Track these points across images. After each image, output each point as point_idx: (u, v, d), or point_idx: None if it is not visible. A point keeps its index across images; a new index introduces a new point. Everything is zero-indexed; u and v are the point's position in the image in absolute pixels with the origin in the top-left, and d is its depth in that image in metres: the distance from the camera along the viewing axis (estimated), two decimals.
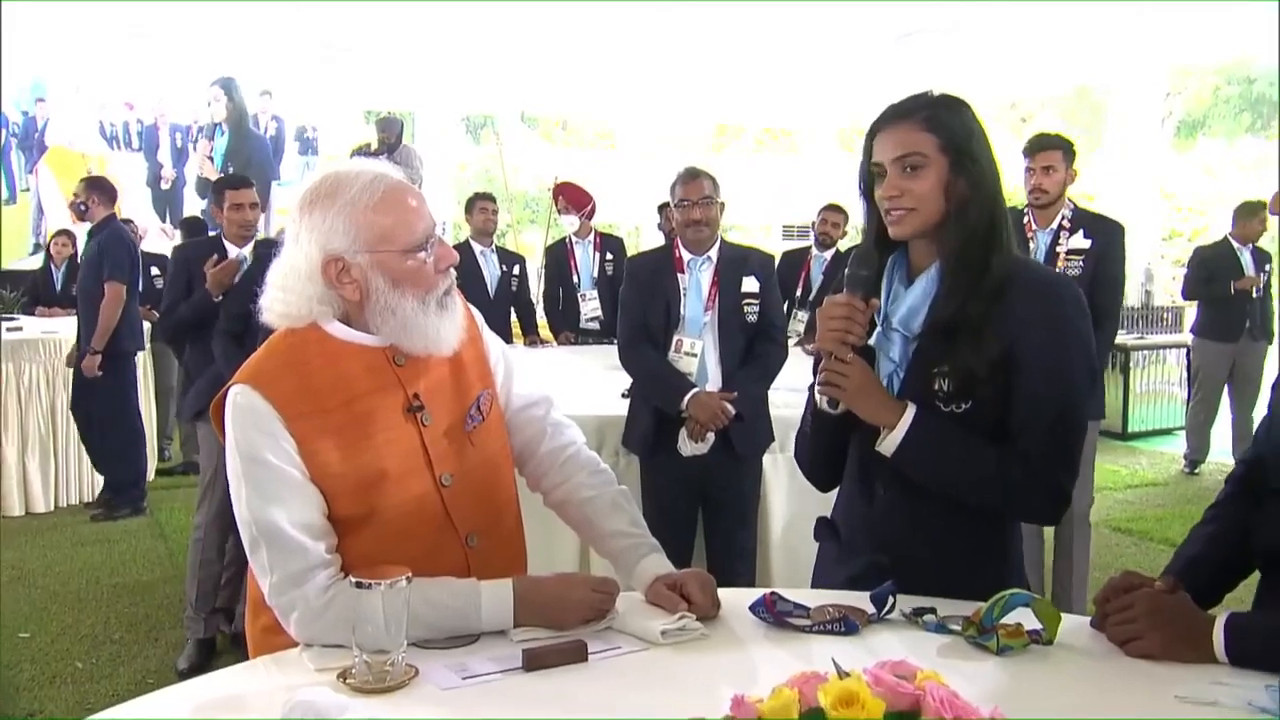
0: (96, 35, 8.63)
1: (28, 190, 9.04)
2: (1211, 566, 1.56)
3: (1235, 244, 6.37)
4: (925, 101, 1.59)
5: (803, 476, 1.85)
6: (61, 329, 5.89)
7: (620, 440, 3.33)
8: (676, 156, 8.92)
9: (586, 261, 5.96)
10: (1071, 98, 14.80)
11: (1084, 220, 3.62)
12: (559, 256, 6.05)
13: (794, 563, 3.33)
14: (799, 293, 5.77)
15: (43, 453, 5.62)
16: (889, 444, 1.57)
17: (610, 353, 3.76)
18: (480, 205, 5.83)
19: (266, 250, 3.53)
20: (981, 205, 1.56)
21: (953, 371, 1.56)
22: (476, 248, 5.69)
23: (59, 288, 7.20)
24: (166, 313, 3.91)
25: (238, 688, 1.35)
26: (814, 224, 6.07)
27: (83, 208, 5.32)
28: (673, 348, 3.20)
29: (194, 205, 9.21)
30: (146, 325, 5.74)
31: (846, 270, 1.61)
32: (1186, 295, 6.81)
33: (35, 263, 8.31)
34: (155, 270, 6.23)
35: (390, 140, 7.57)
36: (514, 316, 5.96)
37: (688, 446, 3.16)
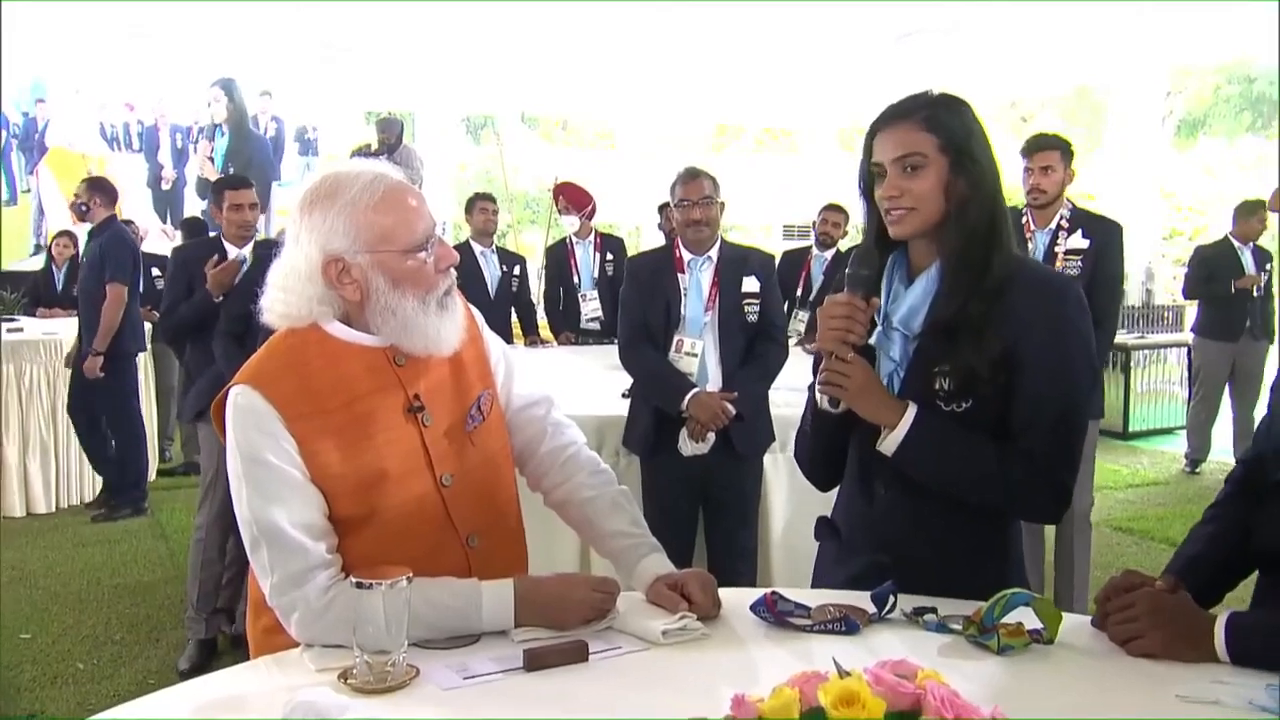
0: (96, 36, 8.63)
1: (28, 191, 9.05)
2: (1212, 566, 1.56)
3: (1236, 243, 6.37)
4: (925, 101, 1.59)
5: (803, 476, 1.85)
6: (62, 330, 5.89)
7: (620, 440, 3.33)
8: (676, 156, 8.93)
9: (587, 262, 5.96)
10: (1071, 97, 14.80)
11: (1082, 220, 3.62)
12: (559, 257, 6.05)
13: (795, 562, 3.33)
14: (799, 292, 5.77)
15: (44, 453, 5.62)
16: (890, 443, 1.57)
17: (610, 353, 3.76)
18: (480, 205, 5.84)
19: (267, 251, 3.54)
20: (982, 205, 1.56)
21: (953, 371, 1.56)
22: (477, 248, 5.70)
23: (60, 288, 7.20)
24: (167, 313, 3.91)
25: (239, 688, 1.35)
26: (814, 224, 6.07)
27: (84, 208, 5.32)
28: (673, 348, 3.20)
29: (194, 206, 9.21)
30: (147, 326, 5.74)
31: (847, 270, 1.61)
32: (1187, 294, 6.81)
33: (35, 264, 8.31)
34: (156, 271, 6.22)
35: (390, 141, 7.57)
36: (514, 317, 5.96)
37: (688, 446, 3.16)
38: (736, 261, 3.25)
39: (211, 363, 3.63)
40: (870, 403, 1.58)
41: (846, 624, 1.47)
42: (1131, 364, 7.68)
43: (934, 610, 1.50)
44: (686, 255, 3.24)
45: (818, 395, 1.65)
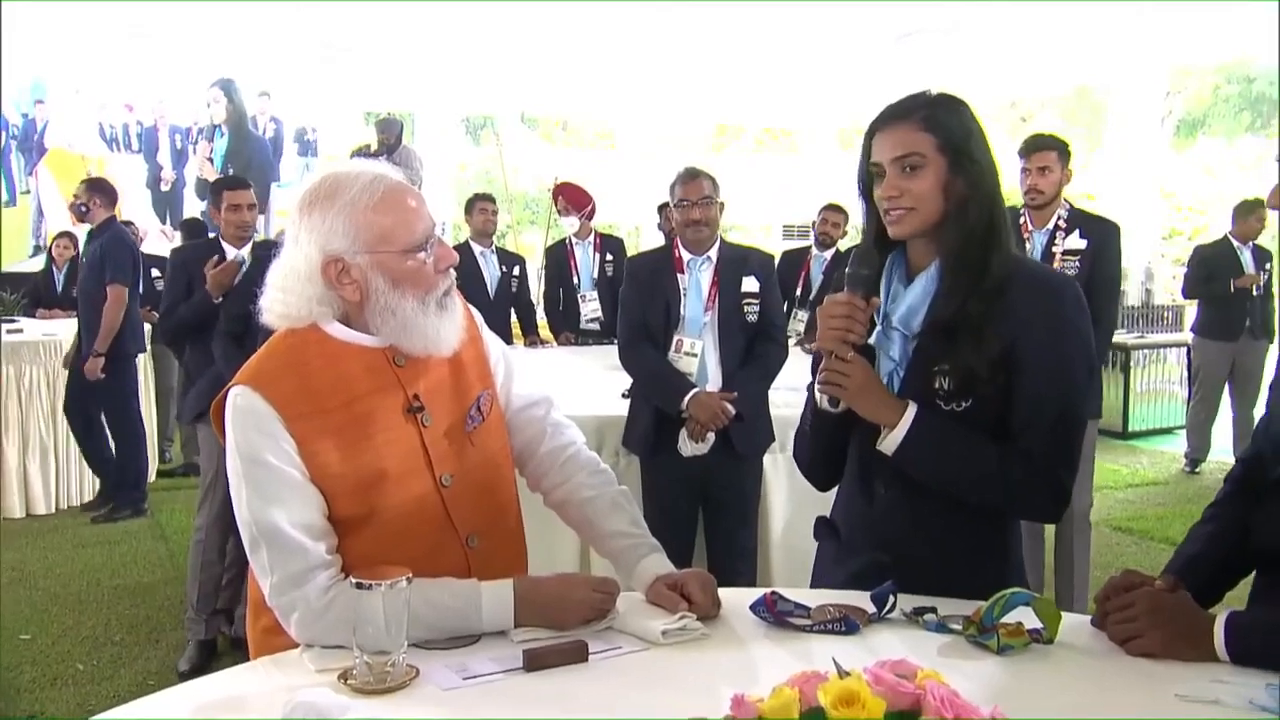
0: (96, 36, 8.63)
1: (28, 193, 9.05)
2: (1211, 565, 1.56)
3: (1235, 242, 6.38)
4: (923, 101, 1.59)
5: (802, 476, 1.85)
6: (61, 331, 5.88)
7: (620, 440, 3.33)
8: (676, 156, 8.93)
9: (586, 262, 5.96)
10: (1071, 97, 14.81)
11: (1080, 220, 3.63)
12: (559, 257, 6.05)
13: (794, 562, 3.33)
14: (799, 292, 5.78)
15: (43, 455, 5.62)
16: (890, 442, 1.57)
17: (610, 353, 3.76)
18: (480, 206, 5.84)
19: (266, 251, 3.54)
20: (980, 204, 1.56)
21: (953, 370, 1.56)
22: (476, 248, 5.69)
23: (60, 290, 7.20)
24: (166, 314, 3.91)
25: (238, 689, 1.35)
26: (814, 224, 6.07)
27: (83, 209, 5.32)
28: (673, 348, 3.20)
29: (194, 207, 9.20)
30: (147, 327, 5.74)
31: (846, 269, 1.61)
32: (1187, 294, 6.82)
33: (34, 265, 8.31)
34: (155, 272, 6.22)
35: (390, 141, 7.57)
36: (514, 317, 5.96)
37: (688, 446, 3.16)
38: (736, 261, 3.25)
39: (211, 364, 3.63)
40: (870, 402, 1.58)
41: (846, 624, 1.47)
42: (1131, 364, 7.68)
43: (934, 610, 1.50)
44: (686, 255, 3.24)
45: (818, 395, 1.65)
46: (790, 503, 3.41)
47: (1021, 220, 3.65)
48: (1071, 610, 1.80)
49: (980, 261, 1.56)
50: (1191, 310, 7.17)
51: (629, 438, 3.30)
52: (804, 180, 11.53)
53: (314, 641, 1.44)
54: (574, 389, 3.72)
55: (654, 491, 3.20)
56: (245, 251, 3.78)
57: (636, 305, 3.28)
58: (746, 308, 3.21)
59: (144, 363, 5.96)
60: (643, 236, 10.84)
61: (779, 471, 3.41)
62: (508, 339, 5.36)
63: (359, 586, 1.31)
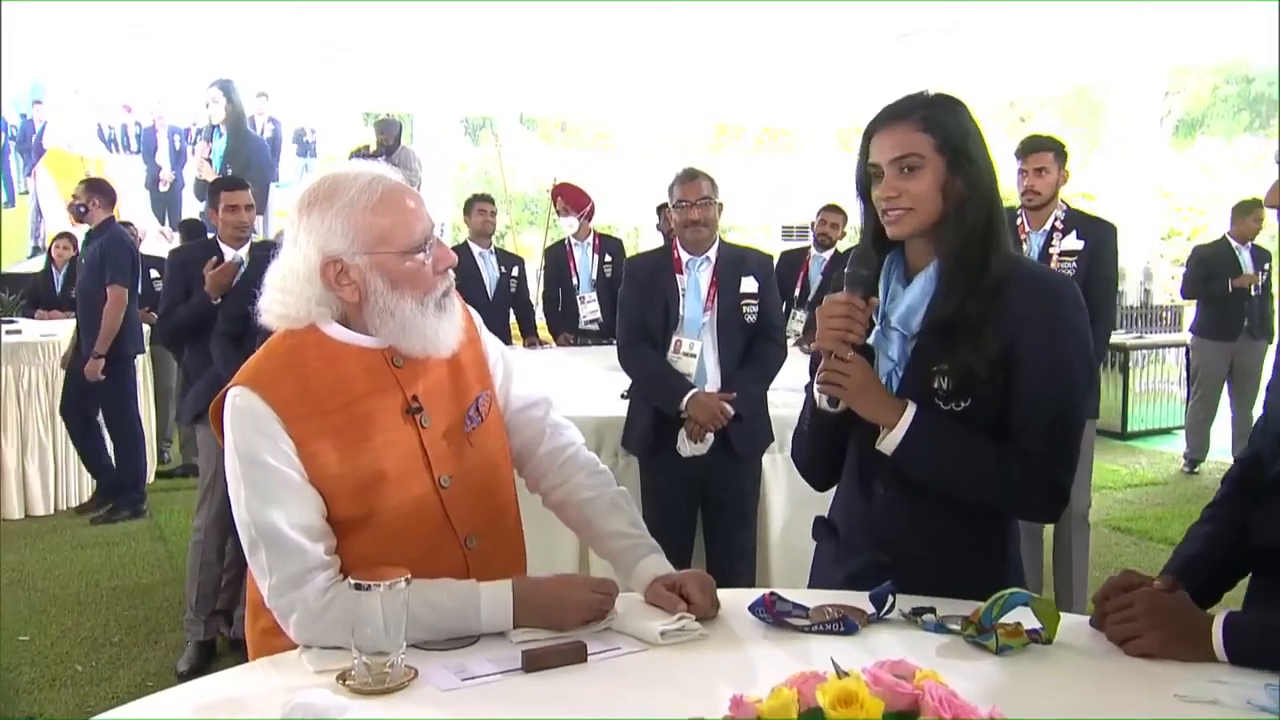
0: (95, 36, 8.63)
1: (26, 193, 9.04)
2: (1210, 565, 1.56)
3: (1234, 243, 6.38)
4: (921, 102, 1.59)
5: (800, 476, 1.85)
6: (60, 332, 5.88)
7: (620, 441, 3.33)
8: (675, 157, 8.93)
9: (585, 263, 5.96)
10: (1070, 98, 14.81)
11: (1077, 221, 3.63)
12: (558, 258, 6.05)
13: (793, 563, 3.33)
14: (797, 293, 5.78)
15: (42, 455, 5.61)
16: (889, 442, 1.57)
17: (609, 354, 3.76)
18: (479, 207, 5.84)
19: (264, 252, 3.53)
20: (979, 204, 1.57)
21: (952, 370, 1.57)
22: (475, 249, 5.70)
23: (59, 290, 7.19)
24: (164, 315, 3.91)
25: (237, 690, 1.35)
26: (813, 224, 6.07)
27: (82, 209, 5.31)
28: (672, 348, 3.20)
29: (192, 208, 9.20)
30: (146, 328, 5.73)
31: (845, 269, 1.62)
32: (1185, 294, 6.82)
33: (33, 265, 8.30)
34: (154, 273, 6.22)
35: (389, 142, 7.57)
36: (513, 318, 5.96)
37: (687, 447, 3.16)
38: (735, 262, 3.25)
39: (209, 365, 3.63)
40: (869, 402, 1.58)
41: (845, 624, 1.47)
42: (1130, 364, 7.68)
43: (932, 610, 1.50)
44: (685, 256, 3.25)
45: (817, 395, 1.65)
46: (789, 503, 3.41)
47: (1018, 221, 3.66)
48: (1070, 610, 1.80)
49: (979, 261, 1.56)
50: (1190, 310, 7.17)
51: (628, 438, 3.30)
52: (803, 180, 11.53)
53: (313, 642, 1.44)
54: (573, 390, 3.72)
55: (653, 492, 3.20)
56: (243, 252, 3.78)
57: (635, 306, 3.28)
58: (745, 308, 3.21)
59: (143, 364, 5.96)
60: (642, 237, 10.83)
61: (778, 472, 3.41)
62: (507, 340, 5.36)
63: (357, 587, 1.31)
